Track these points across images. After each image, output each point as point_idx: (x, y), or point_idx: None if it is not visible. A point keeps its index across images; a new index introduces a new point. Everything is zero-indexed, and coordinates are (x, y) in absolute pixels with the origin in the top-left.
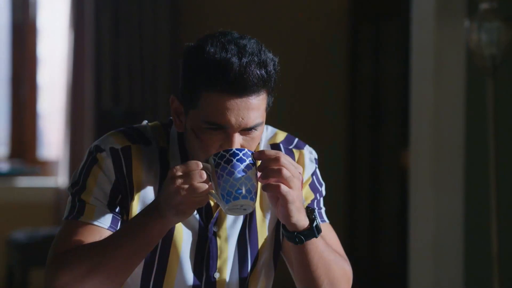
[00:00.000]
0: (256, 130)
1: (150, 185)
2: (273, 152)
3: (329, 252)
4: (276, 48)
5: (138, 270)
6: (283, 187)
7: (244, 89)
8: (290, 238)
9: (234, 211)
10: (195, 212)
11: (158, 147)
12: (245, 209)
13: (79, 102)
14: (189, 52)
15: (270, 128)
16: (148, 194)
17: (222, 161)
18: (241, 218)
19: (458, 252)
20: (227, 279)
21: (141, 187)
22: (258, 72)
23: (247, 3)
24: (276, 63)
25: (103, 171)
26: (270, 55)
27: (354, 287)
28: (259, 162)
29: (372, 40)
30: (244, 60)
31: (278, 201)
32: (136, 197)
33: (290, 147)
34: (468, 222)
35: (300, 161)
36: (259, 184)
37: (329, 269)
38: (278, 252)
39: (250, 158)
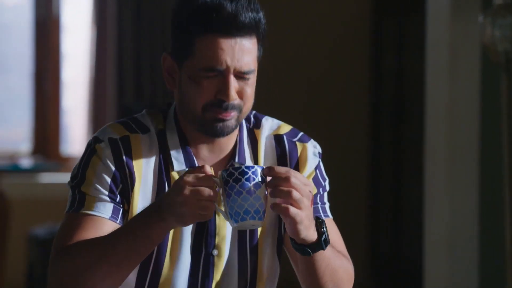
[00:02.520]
0: (250, 77)
1: (151, 173)
2: (284, 170)
3: (335, 258)
4: (299, 44)
5: None
6: (292, 210)
7: (238, 29)
8: (298, 249)
9: (242, 228)
10: None
11: (156, 131)
12: (253, 225)
13: (101, 97)
14: (179, 1)
15: (275, 120)
16: (148, 182)
17: (231, 179)
18: None
19: (473, 250)
20: (226, 257)
21: (141, 176)
22: (251, 14)
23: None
24: (264, 18)
25: (102, 161)
26: (259, 6)
27: (375, 283)
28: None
29: (394, 35)
30: (235, 2)
31: (286, 217)
32: (137, 186)
33: (294, 139)
34: (483, 219)
35: (303, 154)
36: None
37: (335, 275)
38: (280, 244)
39: (259, 176)
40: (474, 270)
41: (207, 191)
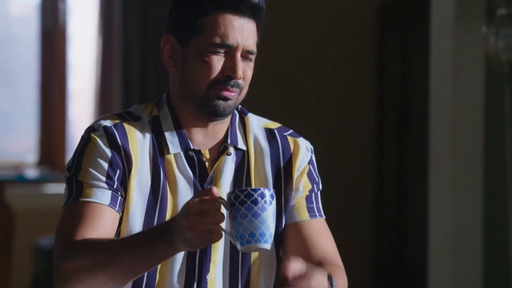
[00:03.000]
0: (252, 59)
1: (146, 157)
2: (299, 267)
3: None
4: (304, 52)
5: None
6: None
7: (246, 9)
8: None
9: (248, 251)
10: (191, 173)
11: (149, 119)
12: (260, 248)
13: (107, 108)
14: None
15: (260, 117)
16: (145, 166)
17: (237, 201)
18: (239, 175)
19: (477, 254)
20: (223, 236)
21: (137, 160)
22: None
23: (276, 7)
24: None
25: (97, 148)
26: None
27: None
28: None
29: (399, 44)
30: None
31: None
32: (133, 169)
33: (285, 134)
34: (487, 224)
35: (296, 148)
36: None
37: None
38: (278, 242)
39: (266, 198)
40: (478, 275)
41: (212, 214)
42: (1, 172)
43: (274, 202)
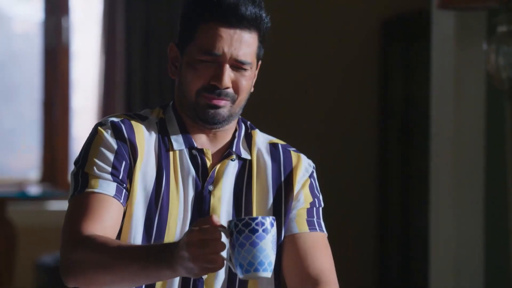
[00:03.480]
0: (246, 69)
1: (151, 151)
2: None
3: None
4: (308, 70)
5: (138, 238)
6: None
7: (237, 20)
8: None
9: (249, 279)
10: (193, 170)
11: (156, 120)
12: (259, 277)
13: None
14: None
15: (267, 135)
16: (150, 160)
17: (235, 230)
18: (240, 182)
19: (479, 270)
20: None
21: (143, 153)
22: (252, 9)
23: (280, 24)
24: (268, 18)
25: (104, 140)
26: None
27: None
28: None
29: (402, 61)
30: None
31: None
32: (139, 161)
33: (289, 148)
34: (489, 243)
35: (298, 162)
36: None
37: None
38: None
39: (265, 227)
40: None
41: (212, 244)
42: (4, 189)
43: (274, 229)
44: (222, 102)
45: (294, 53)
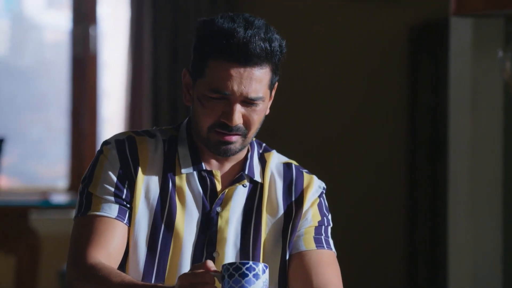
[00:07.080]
0: (257, 104)
1: (156, 168)
2: None
3: None
4: (336, 79)
5: (142, 255)
6: None
7: (247, 58)
8: None
9: None
10: (201, 189)
11: (164, 138)
12: None
13: None
14: (200, 25)
15: (283, 156)
16: (153, 176)
17: (226, 274)
18: (249, 205)
19: (497, 278)
20: (226, 261)
21: (146, 169)
22: (262, 45)
23: (308, 32)
24: (283, 44)
25: (108, 160)
26: (277, 36)
27: None
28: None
29: (432, 70)
30: (249, 31)
31: None
32: (140, 178)
33: (302, 170)
34: (507, 249)
35: (310, 183)
36: None
37: None
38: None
39: (255, 272)
40: None
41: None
42: (28, 198)
43: (265, 275)
44: (233, 138)
45: (322, 61)
